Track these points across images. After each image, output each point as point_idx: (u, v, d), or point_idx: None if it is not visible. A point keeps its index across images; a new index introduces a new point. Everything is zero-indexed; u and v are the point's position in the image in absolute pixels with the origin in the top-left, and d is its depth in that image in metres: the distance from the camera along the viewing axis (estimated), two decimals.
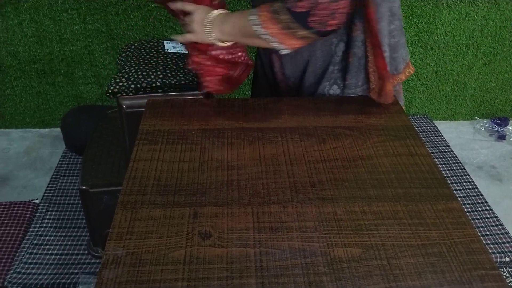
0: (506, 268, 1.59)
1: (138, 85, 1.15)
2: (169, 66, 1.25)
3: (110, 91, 1.14)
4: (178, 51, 1.35)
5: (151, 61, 1.27)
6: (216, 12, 0.96)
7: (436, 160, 2.06)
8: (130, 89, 1.15)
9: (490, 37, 2.13)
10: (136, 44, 1.39)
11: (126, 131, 1.20)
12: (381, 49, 0.92)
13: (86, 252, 1.56)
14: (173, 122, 0.95)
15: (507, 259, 1.59)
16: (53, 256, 1.54)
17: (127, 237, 0.69)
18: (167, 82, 1.18)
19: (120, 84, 1.17)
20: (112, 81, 1.18)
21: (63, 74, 2.11)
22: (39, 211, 1.72)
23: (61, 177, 1.89)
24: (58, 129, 2.10)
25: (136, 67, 1.23)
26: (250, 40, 0.91)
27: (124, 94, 1.15)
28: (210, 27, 0.95)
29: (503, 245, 1.64)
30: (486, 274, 0.64)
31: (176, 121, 0.96)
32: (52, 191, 1.82)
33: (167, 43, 1.38)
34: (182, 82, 1.19)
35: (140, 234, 0.69)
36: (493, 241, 1.66)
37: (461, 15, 2.05)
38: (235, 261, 0.65)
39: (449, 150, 2.13)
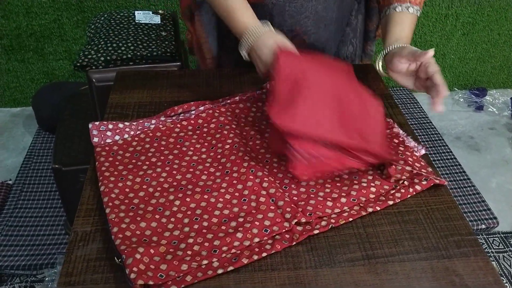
0: (482, 235, 1.63)
1: (108, 58, 1.11)
2: (140, 37, 1.20)
3: (78, 64, 1.09)
4: (150, 22, 1.30)
5: (122, 32, 1.22)
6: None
7: (415, 131, 2.07)
8: (100, 61, 1.11)
9: (469, 6, 2.11)
10: (106, 15, 1.33)
11: (98, 106, 1.16)
12: None
13: (63, 232, 1.53)
14: (144, 95, 0.91)
15: (483, 226, 1.62)
16: (29, 237, 1.50)
17: (96, 213, 0.66)
18: (138, 53, 1.14)
19: (89, 56, 1.12)
20: (81, 54, 1.13)
21: (33, 50, 2.02)
22: (13, 192, 1.67)
23: (35, 157, 1.83)
24: (30, 108, 2.03)
25: (106, 39, 1.18)
26: None
27: (94, 67, 1.10)
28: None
29: (479, 213, 1.67)
30: (462, 240, 0.64)
31: (147, 93, 0.92)
32: (26, 172, 1.77)
33: (138, 13, 1.32)
34: (154, 53, 1.14)
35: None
36: (470, 209, 1.69)
37: None
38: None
39: (428, 121, 2.14)
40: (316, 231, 0.62)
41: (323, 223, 0.64)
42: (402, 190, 0.69)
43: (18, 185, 1.70)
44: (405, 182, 0.70)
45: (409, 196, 0.69)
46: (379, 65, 0.88)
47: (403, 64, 0.79)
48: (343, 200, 0.67)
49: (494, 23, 2.18)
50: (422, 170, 0.72)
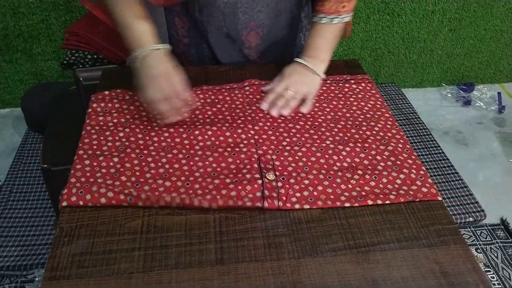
0: (470, 227, 1.65)
1: (95, 56, 1.11)
2: None
3: (65, 62, 1.09)
4: None
5: None
6: None
7: (403, 127, 2.09)
8: (87, 59, 1.11)
9: (455, 2, 2.14)
10: None
11: (85, 105, 1.16)
12: None
13: (54, 231, 1.53)
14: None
15: (471, 219, 1.64)
16: (19, 238, 1.50)
17: (81, 209, 0.66)
18: None
19: (76, 55, 1.12)
20: (68, 52, 1.13)
21: (21, 51, 2.01)
22: (2, 193, 1.67)
23: (24, 158, 1.83)
24: (19, 109, 2.01)
25: None
26: None
27: (81, 65, 1.10)
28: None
29: (467, 206, 1.69)
30: (443, 229, 0.65)
31: (133, 91, 0.92)
32: (15, 172, 1.76)
33: None
34: None
35: (95, 206, 0.67)
36: (458, 203, 1.71)
37: None
38: (194, 228, 0.64)
39: (417, 116, 2.16)
40: (307, 206, 0.67)
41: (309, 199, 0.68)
42: (394, 193, 0.70)
43: (8, 186, 1.70)
44: (401, 192, 0.70)
45: (401, 200, 0.69)
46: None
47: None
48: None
49: (480, 19, 2.21)
50: (428, 180, 0.72)
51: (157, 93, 0.78)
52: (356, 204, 0.67)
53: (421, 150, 1.97)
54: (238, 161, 0.74)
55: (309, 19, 1.08)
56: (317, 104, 0.89)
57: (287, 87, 0.89)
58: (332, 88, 0.93)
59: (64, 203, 0.65)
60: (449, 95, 2.36)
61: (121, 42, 1.11)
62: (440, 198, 0.70)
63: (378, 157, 0.76)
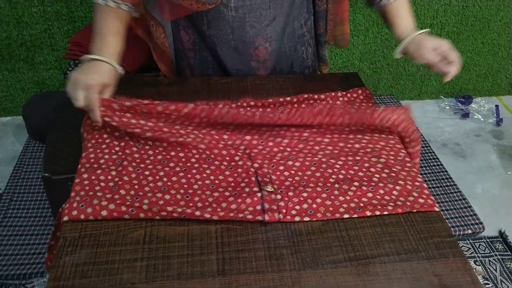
0: (468, 240, 1.65)
1: None
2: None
3: (68, 72, 1.11)
4: None
5: None
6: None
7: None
8: None
9: (453, 16, 2.17)
10: None
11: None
12: None
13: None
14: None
15: (469, 231, 1.65)
16: (18, 247, 1.50)
17: (85, 219, 0.67)
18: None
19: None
20: (71, 62, 1.14)
21: (23, 60, 2.03)
22: (2, 201, 1.67)
23: (25, 166, 1.83)
24: (21, 117, 2.02)
25: None
26: None
27: None
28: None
29: (465, 218, 1.70)
30: (441, 242, 0.66)
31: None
32: (16, 181, 1.76)
33: None
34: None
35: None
36: (457, 215, 1.71)
37: None
38: (196, 239, 0.65)
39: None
40: (307, 219, 0.68)
41: (310, 211, 0.68)
42: (392, 204, 0.71)
43: (8, 194, 1.70)
44: (398, 203, 0.71)
45: (399, 211, 0.70)
46: (396, 51, 0.96)
47: (431, 54, 0.92)
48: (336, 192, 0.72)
49: (478, 33, 2.24)
50: (424, 191, 0.73)
51: (77, 94, 0.82)
52: (355, 216, 0.68)
53: (420, 162, 1.97)
54: (235, 175, 0.75)
55: (311, 33, 1.10)
56: (312, 119, 0.89)
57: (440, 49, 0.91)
58: (324, 103, 0.94)
59: (66, 218, 0.66)
60: (447, 107, 2.38)
61: (125, 53, 1.12)
62: (437, 209, 0.71)
63: (372, 169, 0.76)
